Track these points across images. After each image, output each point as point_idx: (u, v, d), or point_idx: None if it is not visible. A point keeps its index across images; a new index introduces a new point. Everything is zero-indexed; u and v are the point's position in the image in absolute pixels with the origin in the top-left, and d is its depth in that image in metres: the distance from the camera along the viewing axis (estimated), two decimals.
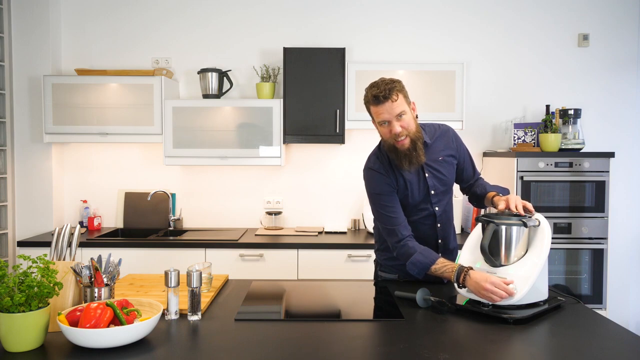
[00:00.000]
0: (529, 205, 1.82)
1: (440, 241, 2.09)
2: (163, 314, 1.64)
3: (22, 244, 3.20)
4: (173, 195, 3.68)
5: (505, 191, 2.05)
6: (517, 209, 1.80)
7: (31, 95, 3.47)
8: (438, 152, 2.03)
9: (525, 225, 1.72)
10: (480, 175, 2.18)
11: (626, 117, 3.66)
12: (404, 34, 3.65)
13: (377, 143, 2.12)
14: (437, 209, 2.04)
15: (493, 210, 1.96)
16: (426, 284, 1.96)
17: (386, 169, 2.01)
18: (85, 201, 3.66)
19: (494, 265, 1.73)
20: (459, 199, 3.42)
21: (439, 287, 2.01)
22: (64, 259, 1.66)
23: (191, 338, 1.50)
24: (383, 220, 2.03)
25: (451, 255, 2.13)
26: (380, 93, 1.84)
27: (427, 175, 2.01)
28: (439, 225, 2.07)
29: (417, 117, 1.98)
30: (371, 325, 1.61)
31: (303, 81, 3.33)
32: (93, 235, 3.34)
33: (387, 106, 1.84)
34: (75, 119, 3.35)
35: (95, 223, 3.59)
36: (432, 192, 2.02)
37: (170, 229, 3.60)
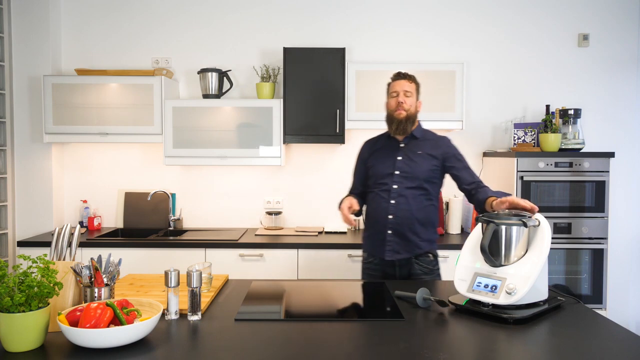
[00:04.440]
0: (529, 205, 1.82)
1: (391, 217, 2.31)
2: (163, 314, 1.64)
3: (22, 244, 3.20)
4: (173, 195, 3.68)
5: (505, 196, 2.06)
6: (521, 204, 1.82)
7: (31, 95, 3.47)
8: (420, 147, 2.35)
9: (525, 225, 1.72)
10: (483, 183, 2.24)
11: (626, 117, 3.66)
12: (404, 34, 3.65)
13: None
14: (394, 187, 2.32)
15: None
16: (426, 284, 1.96)
17: (372, 141, 2.50)
18: (85, 201, 3.66)
19: (494, 265, 1.73)
20: (459, 199, 3.43)
21: (439, 287, 2.01)
22: (64, 259, 1.66)
23: (191, 338, 1.51)
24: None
25: (412, 247, 2.31)
26: (404, 73, 2.38)
27: (399, 158, 2.34)
28: (392, 201, 2.31)
29: (418, 112, 2.40)
30: (371, 325, 1.61)
31: (303, 81, 3.33)
32: (93, 235, 3.34)
33: (402, 83, 2.35)
34: (75, 119, 3.35)
35: (95, 223, 3.59)
36: (397, 172, 2.33)
37: (170, 229, 3.59)
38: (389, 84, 2.42)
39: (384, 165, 2.37)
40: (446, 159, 2.33)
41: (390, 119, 2.37)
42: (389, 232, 2.31)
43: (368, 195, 2.44)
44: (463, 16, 3.64)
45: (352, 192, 2.52)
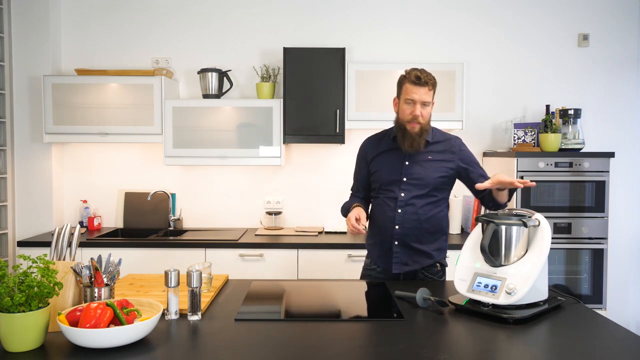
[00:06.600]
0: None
1: (397, 227, 2.14)
2: (163, 314, 1.64)
3: (22, 244, 3.20)
4: (173, 195, 3.68)
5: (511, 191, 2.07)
6: (506, 180, 1.85)
7: (31, 95, 3.47)
8: (431, 153, 2.16)
9: (525, 225, 1.72)
10: None
11: (626, 117, 3.66)
12: (404, 34, 3.65)
13: None
14: (402, 195, 2.13)
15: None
16: (426, 284, 1.96)
17: (375, 140, 2.28)
18: (85, 201, 3.66)
19: (494, 265, 1.73)
20: (459, 199, 3.42)
21: (439, 287, 2.01)
22: (64, 259, 1.66)
23: (191, 338, 1.50)
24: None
25: (421, 258, 2.16)
26: (425, 77, 2.07)
27: (406, 163, 2.15)
28: (399, 210, 2.13)
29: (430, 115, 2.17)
30: (371, 325, 1.61)
31: (303, 81, 3.33)
32: (93, 235, 3.34)
33: (423, 90, 2.07)
34: (75, 119, 3.35)
35: (95, 223, 3.59)
36: (404, 179, 2.14)
37: (170, 229, 3.59)
38: (404, 83, 2.11)
39: (390, 170, 2.16)
40: (461, 166, 2.16)
41: (401, 128, 2.12)
42: (395, 242, 2.14)
43: (373, 201, 2.27)
44: (463, 16, 3.64)
45: (355, 196, 2.35)
